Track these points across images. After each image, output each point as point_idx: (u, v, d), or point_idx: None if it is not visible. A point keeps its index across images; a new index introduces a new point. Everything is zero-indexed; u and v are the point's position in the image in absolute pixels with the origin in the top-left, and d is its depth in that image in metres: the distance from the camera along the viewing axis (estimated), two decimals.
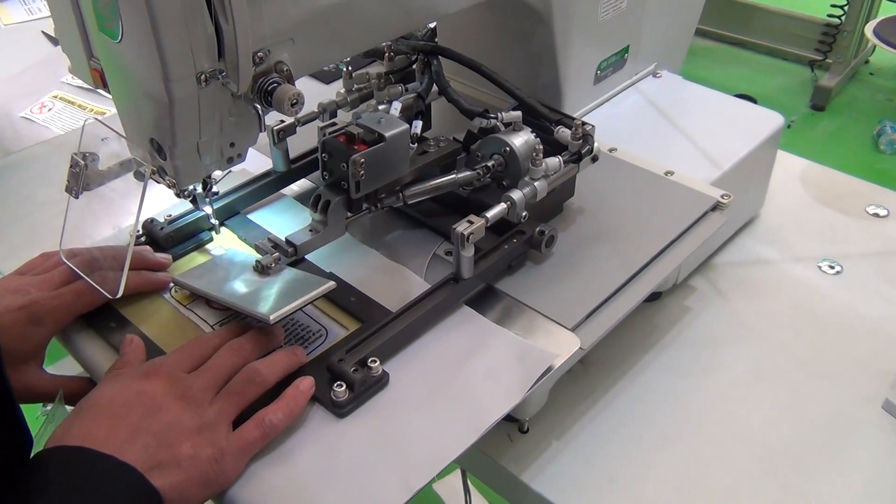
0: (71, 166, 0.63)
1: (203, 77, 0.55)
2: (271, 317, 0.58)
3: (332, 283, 0.63)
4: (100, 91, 1.13)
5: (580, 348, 0.63)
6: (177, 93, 0.54)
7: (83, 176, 0.63)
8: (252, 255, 0.71)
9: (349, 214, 0.68)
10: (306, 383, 0.58)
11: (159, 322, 0.66)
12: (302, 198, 0.80)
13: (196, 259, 0.73)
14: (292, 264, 0.68)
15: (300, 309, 0.62)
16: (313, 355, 0.62)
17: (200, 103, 0.56)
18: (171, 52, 0.53)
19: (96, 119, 0.66)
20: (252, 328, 0.61)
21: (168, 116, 0.55)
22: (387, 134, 0.66)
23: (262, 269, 0.66)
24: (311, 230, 0.68)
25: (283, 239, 0.67)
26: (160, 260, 0.71)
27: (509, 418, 0.65)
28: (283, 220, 0.77)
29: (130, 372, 0.56)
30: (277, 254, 0.67)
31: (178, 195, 0.65)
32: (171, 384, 0.55)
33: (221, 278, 0.67)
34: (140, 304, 0.68)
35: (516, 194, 0.67)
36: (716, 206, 0.76)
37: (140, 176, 0.63)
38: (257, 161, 0.81)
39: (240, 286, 0.65)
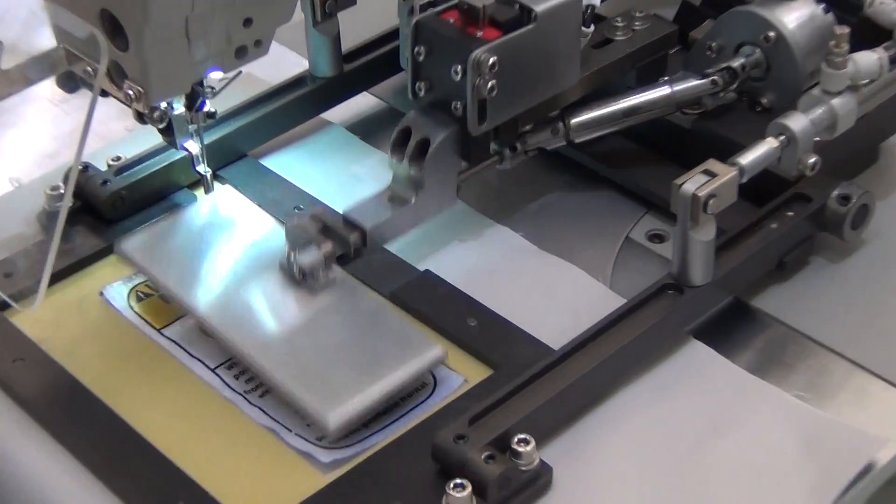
0: None
1: None
2: (332, 425, 0.39)
3: (440, 351, 0.45)
4: None
5: None
6: None
7: None
8: (265, 220, 0.52)
9: (466, 165, 0.50)
10: None
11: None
12: (362, 127, 0.61)
13: None
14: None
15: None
16: (412, 422, 0.45)
17: None
18: None
19: None
20: None
21: None
22: (538, 8, 0.48)
23: (301, 276, 0.46)
24: (390, 198, 0.49)
25: (340, 214, 0.48)
26: None
27: None
28: (327, 170, 0.58)
29: None
30: (330, 243, 0.45)
31: (139, 118, 0.49)
32: None
33: (214, 268, 0.48)
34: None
35: (796, 122, 0.48)
36: None
37: (73, 83, 0.51)
38: (283, 60, 0.62)
39: (256, 312, 0.46)
